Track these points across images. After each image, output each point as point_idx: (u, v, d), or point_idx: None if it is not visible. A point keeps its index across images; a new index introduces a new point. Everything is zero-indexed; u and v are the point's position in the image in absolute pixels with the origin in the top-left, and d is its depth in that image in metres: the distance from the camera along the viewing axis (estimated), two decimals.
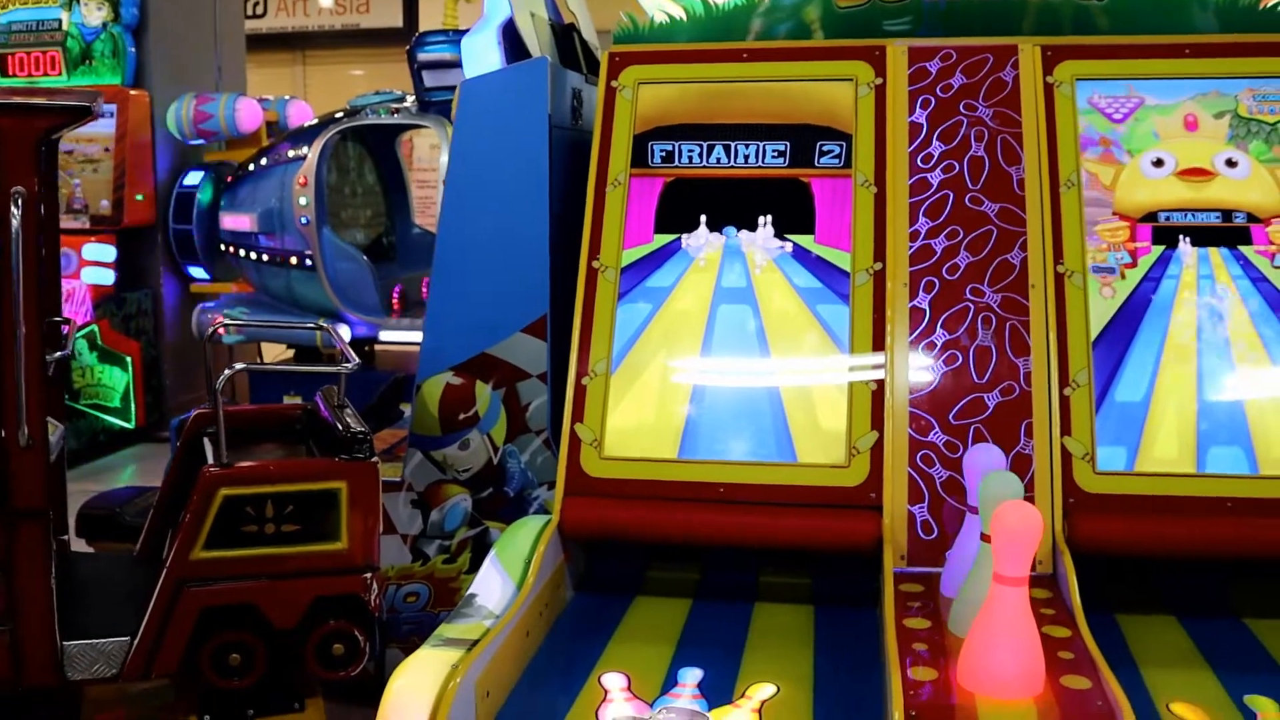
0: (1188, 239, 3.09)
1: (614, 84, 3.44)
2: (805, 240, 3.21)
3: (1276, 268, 3.05)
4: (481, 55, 3.73)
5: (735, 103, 3.38)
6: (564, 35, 4.13)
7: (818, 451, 3.00)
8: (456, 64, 7.07)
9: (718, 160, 3.33)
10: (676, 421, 3.08)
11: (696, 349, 3.14)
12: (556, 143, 3.65)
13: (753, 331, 3.14)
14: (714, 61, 3.45)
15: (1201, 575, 3.06)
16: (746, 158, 3.32)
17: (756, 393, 3.09)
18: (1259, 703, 2.46)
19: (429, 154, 12.20)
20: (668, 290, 3.21)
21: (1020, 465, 2.88)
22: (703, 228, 3.26)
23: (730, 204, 3.27)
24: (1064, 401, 2.94)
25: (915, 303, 3.09)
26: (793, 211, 3.25)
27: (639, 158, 3.36)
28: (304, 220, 7.41)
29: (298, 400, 6.22)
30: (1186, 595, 2.99)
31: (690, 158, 3.34)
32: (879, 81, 3.31)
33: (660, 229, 3.28)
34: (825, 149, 3.29)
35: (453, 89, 7.19)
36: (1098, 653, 2.31)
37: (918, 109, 3.28)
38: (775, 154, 3.30)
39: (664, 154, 3.36)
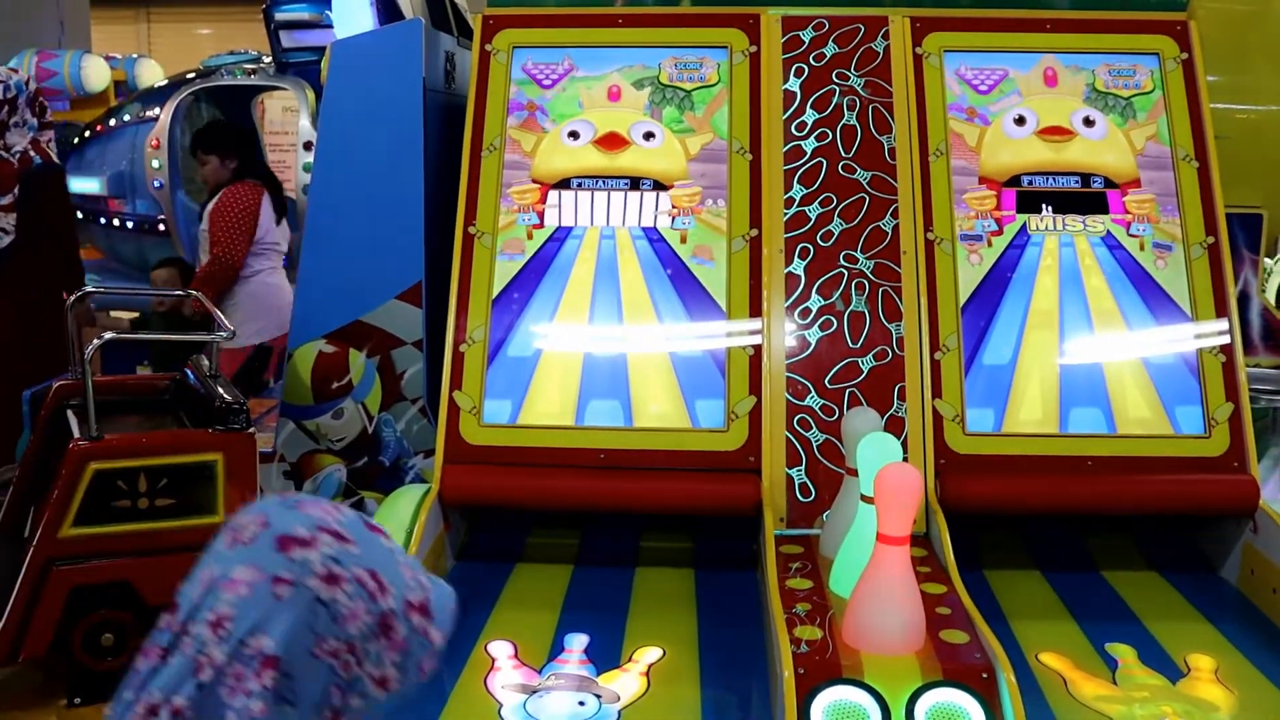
0: (1050, 207, 3.20)
1: (488, 47, 3.40)
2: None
3: (1132, 236, 3.17)
4: (353, 16, 3.66)
5: None
6: None
7: (696, 416, 3.04)
8: (316, 24, 6.94)
9: None
10: (558, 388, 3.08)
11: (578, 316, 3.14)
12: (430, 106, 3.60)
13: (633, 298, 3.14)
14: (589, 26, 3.43)
15: (1063, 531, 3.20)
16: None
17: (636, 359, 3.11)
18: (1119, 650, 2.59)
19: (282, 117, 11.91)
20: (552, 258, 3.20)
21: (894, 428, 2.95)
22: None
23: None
24: (934, 365, 3.03)
25: (791, 269, 3.14)
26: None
27: None
28: (157, 184, 7.19)
29: (148, 370, 6.06)
30: (1050, 550, 3.11)
31: None
32: (753, 49, 3.34)
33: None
34: None
35: (311, 50, 7.09)
36: (973, 608, 2.40)
37: (791, 77, 3.32)
38: None
39: None
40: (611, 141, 3.29)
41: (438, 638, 1.42)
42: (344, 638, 1.27)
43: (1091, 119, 3.28)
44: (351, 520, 1.34)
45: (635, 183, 3.24)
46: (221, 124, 6.38)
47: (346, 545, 1.30)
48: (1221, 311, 3.10)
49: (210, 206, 5.52)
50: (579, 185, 3.25)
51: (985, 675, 2.15)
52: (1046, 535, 3.17)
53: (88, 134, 7.57)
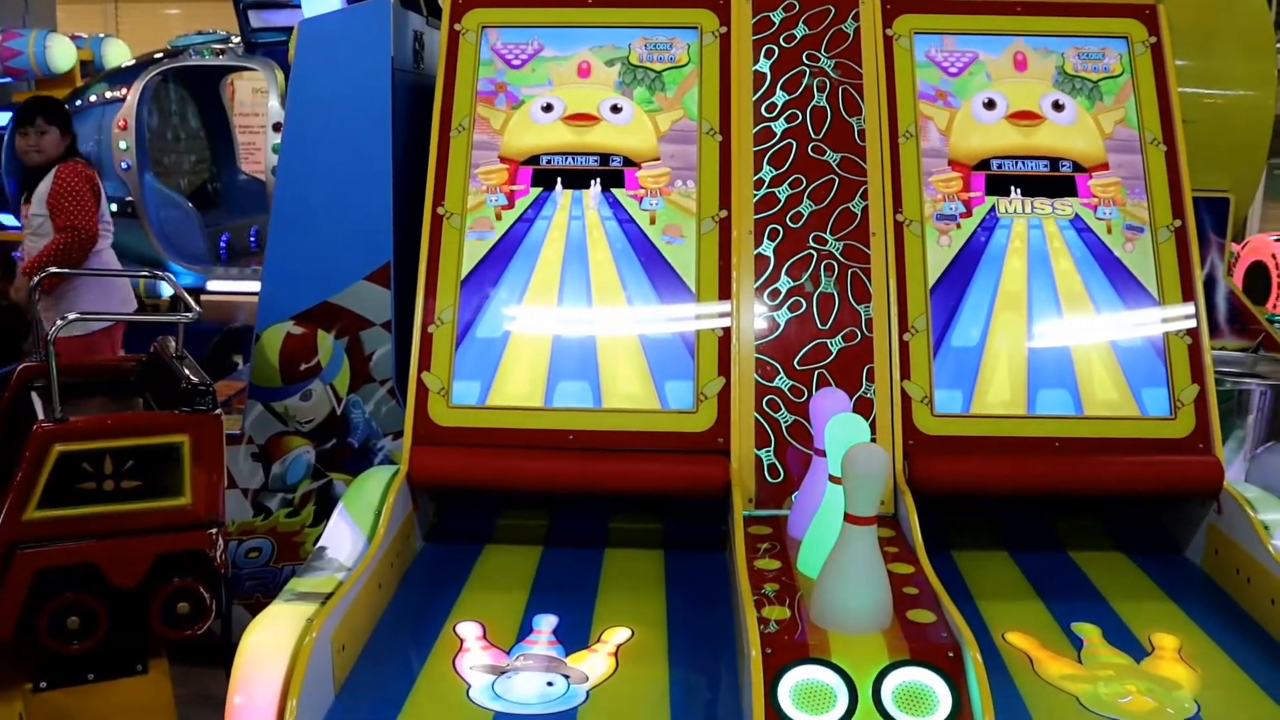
0: (1019, 189, 3.21)
1: (457, 27, 3.38)
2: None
3: (1100, 219, 3.19)
4: None
5: None
6: None
7: (665, 397, 3.04)
8: (284, 4, 6.89)
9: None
10: (527, 369, 3.07)
11: (547, 297, 3.13)
12: (399, 86, 3.58)
13: (602, 279, 3.14)
14: (558, 6, 3.41)
15: (1031, 512, 3.21)
16: None
17: (605, 340, 3.10)
18: (1085, 629, 2.61)
19: (252, 98, 11.83)
20: (521, 239, 3.19)
21: (862, 409, 2.96)
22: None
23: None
24: (903, 347, 3.04)
25: (760, 250, 3.14)
26: None
27: None
28: (124, 165, 7.11)
29: (121, 354, 6.02)
30: (1017, 531, 3.13)
31: None
32: (723, 30, 3.33)
33: (536, 181, 3.24)
34: None
35: (280, 30, 7.04)
36: (940, 588, 2.40)
37: (761, 58, 3.31)
38: None
39: None
40: (581, 118, 3.28)
41: None
42: None
43: (1061, 103, 3.30)
44: None
45: (605, 160, 3.24)
46: (54, 99, 6.14)
47: None
48: (1188, 295, 3.12)
49: (46, 186, 5.25)
50: (548, 162, 3.24)
51: (952, 654, 2.16)
52: (1013, 516, 3.19)
53: None
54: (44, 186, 5.28)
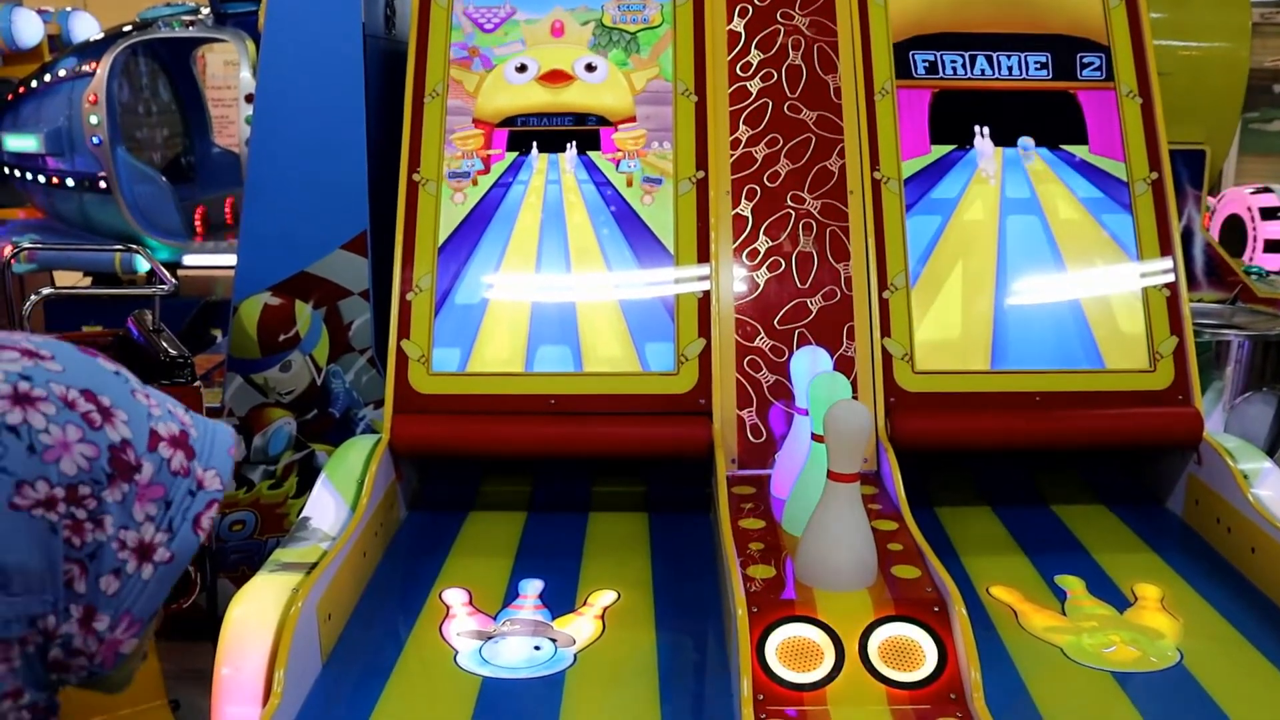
0: (987, 129, 3.19)
1: None
2: None
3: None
4: None
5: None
6: None
7: (646, 360, 3.03)
8: None
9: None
10: (506, 335, 3.06)
11: (525, 262, 3.11)
12: (371, 53, 3.55)
13: (580, 243, 3.12)
14: None
15: (1013, 466, 3.23)
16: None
17: (584, 304, 3.09)
18: (1068, 582, 2.62)
19: (224, 70, 11.72)
20: (498, 203, 3.17)
21: (843, 367, 2.96)
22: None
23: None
24: (883, 304, 3.03)
25: (738, 210, 3.12)
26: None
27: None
28: (96, 140, 7.04)
29: (98, 329, 5.98)
30: (999, 486, 3.14)
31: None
32: None
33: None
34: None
35: (250, 0, 6.95)
36: (924, 543, 2.41)
37: (735, 17, 3.29)
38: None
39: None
40: (555, 76, 3.25)
41: (213, 481, 1.09)
42: (57, 480, 0.95)
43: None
44: (51, 340, 1.03)
45: (581, 119, 3.22)
46: None
47: (41, 361, 0.99)
48: (1166, 247, 3.12)
49: None
50: (523, 124, 3.22)
51: (937, 609, 2.17)
52: (996, 472, 3.20)
53: (22, 90, 7.41)
54: None
